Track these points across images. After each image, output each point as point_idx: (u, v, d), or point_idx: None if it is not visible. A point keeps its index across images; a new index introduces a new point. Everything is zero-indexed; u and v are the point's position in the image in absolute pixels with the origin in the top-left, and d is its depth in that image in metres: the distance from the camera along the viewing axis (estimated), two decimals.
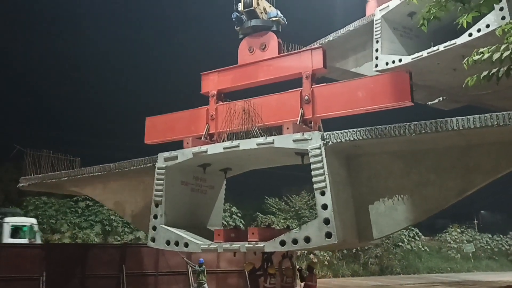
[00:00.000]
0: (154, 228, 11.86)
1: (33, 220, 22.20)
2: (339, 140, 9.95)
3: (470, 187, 9.67)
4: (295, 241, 9.88)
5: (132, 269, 18.28)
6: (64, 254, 17.81)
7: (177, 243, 11.49)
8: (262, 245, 10.40)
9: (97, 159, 14.91)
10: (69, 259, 17.50)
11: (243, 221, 30.87)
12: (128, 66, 55.87)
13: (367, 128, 9.71)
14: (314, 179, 9.81)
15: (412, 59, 15.45)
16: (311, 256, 32.70)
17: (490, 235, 50.00)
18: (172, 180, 12.15)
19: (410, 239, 42.17)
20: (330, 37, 18.21)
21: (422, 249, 42.43)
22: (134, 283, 18.05)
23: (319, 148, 9.94)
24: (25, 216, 24.53)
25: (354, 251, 36.07)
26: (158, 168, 12.08)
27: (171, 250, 12.09)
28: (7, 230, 21.10)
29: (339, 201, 9.87)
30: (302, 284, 12.66)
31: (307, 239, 9.71)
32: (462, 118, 8.82)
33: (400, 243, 40.45)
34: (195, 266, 18.57)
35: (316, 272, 13.65)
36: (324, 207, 9.60)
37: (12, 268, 16.17)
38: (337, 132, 10.09)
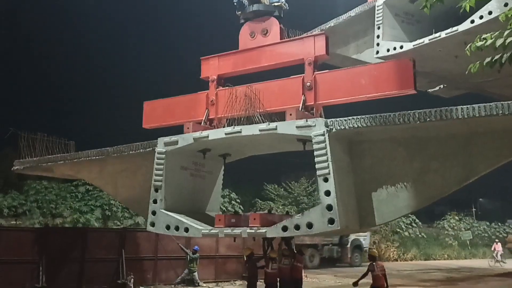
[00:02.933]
0: (154, 213, 11.85)
1: None
2: (342, 127, 9.90)
3: (472, 175, 9.65)
4: (297, 227, 9.88)
5: (131, 253, 18.34)
6: (64, 238, 17.83)
7: (177, 228, 11.48)
8: (263, 230, 10.41)
9: (93, 144, 14.87)
10: (69, 243, 17.52)
11: (242, 207, 30.94)
12: (126, 50, 55.56)
13: (371, 115, 9.65)
14: (317, 166, 9.78)
15: (413, 45, 15.30)
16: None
17: (488, 223, 50.39)
18: (172, 165, 12.11)
19: (407, 226, 42.48)
20: (331, 23, 18.01)
21: (420, 236, 42.74)
22: (134, 267, 18.11)
23: (323, 134, 9.89)
24: (25, 200, 24.56)
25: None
26: (158, 153, 12.03)
27: (171, 235, 12.10)
28: None
29: (342, 187, 9.86)
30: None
31: (310, 225, 9.72)
32: (467, 107, 8.76)
33: (398, 230, 40.75)
34: (189, 253, 18.64)
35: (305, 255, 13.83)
36: (327, 193, 9.59)
37: (11, 251, 16.19)
38: (340, 119, 10.03)
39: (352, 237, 30.09)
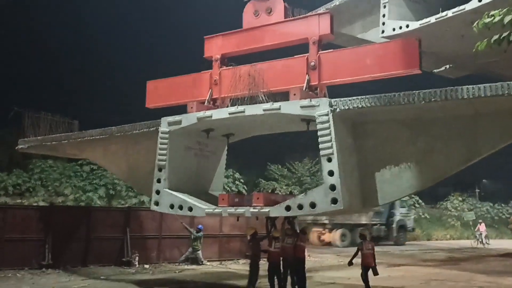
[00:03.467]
0: (158, 192, 11.93)
1: None
2: (347, 107, 9.86)
3: (476, 155, 9.62)
4: (300, 207, 9.93)
5: (136, 232, 18.52)
6: (69, 216, 17.99)
7: (181, 207, 11.57)
8: (267, 210, 10.48)
9: (96, 123, 14.90)
10: (74, 221, 17.69)
11: (245, 187, 31.10)
12: (129, 29, 55.16)
13: (376, 95, 9.59)
14: (321, 146, 9.78)
15: (419, 25, 15.13)
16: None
17: (491, 204, 50.47)
18: (175, 145, 12.14)
19: (410, 206, 42.55)
20: (337, 1, 17.80)
21: (423, 216, 42.89)
22: (138, 245, 18.31)
23: (327, 114, 9.86)
24: (29, 178, 24.73)
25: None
26: (162, 133, 12.05)
27: (175, 214, 12.20)
28: None
29: (345, 167, 9.86)
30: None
31: (313, 205, 9.77)
32: (473, 87, 8.69)
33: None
34: (193, 232, 18.80)
35: (308, 235, 13.93)
36: (331, 173, 9.61)
37: (17, 229, 16.38)
38: (345, 99, 9.97)
39: (397, 218, 32.97)
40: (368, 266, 11.93)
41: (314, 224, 29.67)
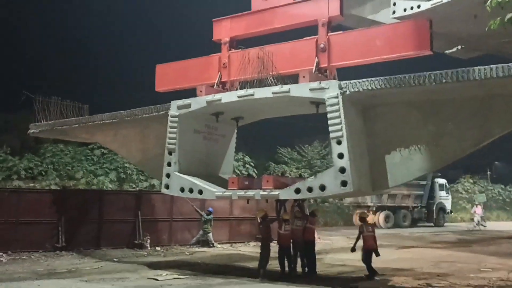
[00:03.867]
0: (168, 176, 12.02)
1: None
2: (356, 90, 9.82)
3: (487, 137, 9.58)
4: (310, 189, 9.97)
5: (147, 215, 18.69)
6: (81, 199, 18.20)
7: (191, 190, 11.66)
8: (276, 192, 10.53)
9: (106, 108, 15.00)
10: (86, 205, 17.90)
11: (256, 170, 31.18)
12: (139, 13, 54.99)
13: (386, 77, 9.54)
14: (330, 128, 9.77)
15: (431, 5, 14.94)
16: (327, 204, 33.28)
17: (502, 186, 50.16)
18: (185, 128, 12.21)
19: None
20: None
21: None
22: (150, 228, 18.49)
23: (337, 97, 9.83)
24: (41, 162, 25.00)
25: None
26: (171, 116, 12.10)
27: (185, 197, 12.31)
28: None
29: (355, 150, 9.86)
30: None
31: (322, 187, 9.79)
32: (484, 68, 8.60)
33: None
34: (203, 214, 18.94)
35: (317, 217, 14.09)
36: (340, 156, 9.61)
37: (31, 212, 16.61)
38: (354, 81, 9.93)
39: (437, 200, 34.85)
40: (370, 248, 12.00)
41: (357, 207, 31.45)
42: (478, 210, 33.44)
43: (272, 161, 36.82)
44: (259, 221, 12.78)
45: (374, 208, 31.22)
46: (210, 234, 19.05)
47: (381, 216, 31.34)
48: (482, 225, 32.57)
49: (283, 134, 44.35)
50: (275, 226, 12.47)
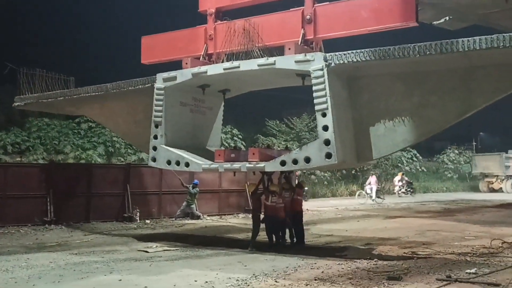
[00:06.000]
0: (155, 148, 12.09)
1: None
2: (341, 62, 9.82)
3: (470, 108, 9.67)
4: (295, 161, 10.07)
5: (136, 188, 18.75)
6: (70, 173, 18.21)
7: (177, 163, 11.73)
8: (262, 165, 10.63)
9: (92, 80, 14.83)
10: (74, 178, 17.91)
11: (244, 143, 31.28)
12: None
13: (371, 49, 9.54)
14: (315, 101, 9.81)
15: None
16: (313, 177, 33.59)
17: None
18: (171, 101, 12.20)
19: (408, 160, 43.01)
20: None
21: (420, 169, 43.33)
22: (139, 201, 18.58)
23: (322, 69, 9.84)
24: (28, 137, 24.82)
25: (353, 172, 36.90)
26: (157, 89, 12.06)
27: (172, 169, 12.36)
28: None
29: (339, 122, 9.93)
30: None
31: (307, 159, 9.90)
32: (468, 39, 8.63)
33: (399, 164, 41.31)
34: (189, 187, 19.02)
35: (304, 189, 14.22)
36: (325, 128, 9.69)
37: (20, 186, 16.60)
38: (339, 53, 9.92)
39: None
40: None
41: (485, 176, 40.15)
42: (373, 179, 29.29)
43: (261, 134, 36.96)
44: (250, 194, 12.89)
45: (503, 177, 38.65)
46: (194, 206, 19.13)
47: (508, 183, 38.69)
48: (378, 197, 28.66)
49: (272, 107, 44.40)
50: None
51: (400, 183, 34.23)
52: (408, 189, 34.26)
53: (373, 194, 28.66)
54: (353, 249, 12.01)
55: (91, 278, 8.70)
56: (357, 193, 30.33)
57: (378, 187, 29.75)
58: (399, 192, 34.02)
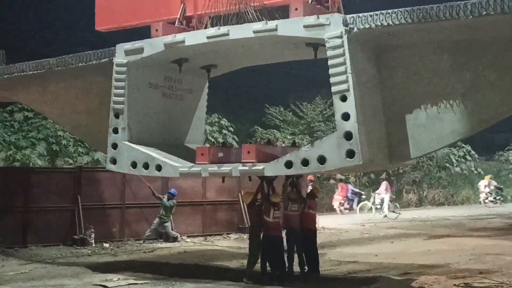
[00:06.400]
0: (115, 146, 12.12)
1: None
2: (367, 26, 9.81)
3: None
4: (305, 162, 10.07)
5: (90, 200, 18.74)
6: (1, 181, 18.12)
7: (146, 166, 11.74)
8: (261, 167, 10.62)
9: (30, 55, 14.78)
10: (7, 188, 17.82)
11: (236, 138, 31.27)
12: None
13: (407, 9, 9.50)
14: (332, 80, 9.82)
15: None
16: (331, 181, 33.59)
17: None
18: (136, 82, 12.24)
19: (459, 159, 42.88)
20: None
21: (475, 172, 43.24)
22: (94, 218, 18.55)
23: (340, 36, 9.83)
24: None
25: (385, 175, 36.83)
26: (117, 65, 12.07)
27: (139, 174, 12.37)
28: None
29: (365, 108, 9.93)
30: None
31: (322, 159, 9.89)
32: None
33: (448, 165, 41.20)
34: (163, 198, 18.96)
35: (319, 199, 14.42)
36: (345, 116, 9.67)
37: None
38: (364, 14, 9.90)
39: None
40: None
41: None
42: (384, 188, 29.08)
43: (260, 125, 36.96)
44: (246, 207, 12.92)
45: None
46: (168, 224, 19.08)
47: None
48: (393, 211, 28.30)
49: (274, 89, 44.34)
50: None
51: (487, 189, 34.49)
52: (498, 197, 34.66)
53: (385, 207, 28.44)
54: (386, 281, 12.05)
55: None
56: (358, 206, 29.52)
57: (391, 198, 29.47)
58: (486, 200, 34.22)
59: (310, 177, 23.80)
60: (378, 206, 28.45)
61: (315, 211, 13.45)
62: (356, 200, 29.56)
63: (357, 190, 30.59)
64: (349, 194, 29.82)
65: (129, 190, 19.34)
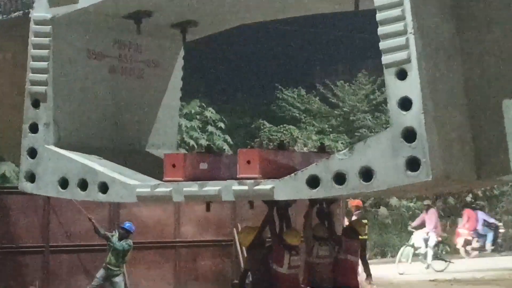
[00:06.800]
0: (33, 153, 12.11)
1: None
2: None
3: None
4: (340, 178, 10.01)
5: None
6: None
7: (83, 185, 11.70)
8: (268, 187, 10.55)
9: None
10: None
11: (229, 139, 31.36)
12: None
13: None
14: (383, 45, 9.79)
15: None
16: (381, 210, 33.63)
17: None
18: (68, 49, 12.27)
19: None
20: None
21: None
22: (2, 267, 18.60)
23: None
24: None
25: (470, 197, 36.88)
26: (37, 23, 12.09)
27: (73, 199, 12.32)
28: None
29: (437, 91, 9.88)
30: None
31: (367, 174, 9.81)
32: None
33: None
34: (111, 237, 18.92)
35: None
36: (405, 104, 9.59)
37: None
38: None
39: None
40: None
41: None
42: (431, 223, 30.86)
43: (267, 119, 36.92)
44: (245, 251, 12.94)
45: None
46: (120, 280, 19.06)
47: None
48: (440, 257, 30.29)
49: (291, 60, 44.36)
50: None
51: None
52: None
53: (429, 252, 29.28)
54: None
55: None
56: (400, 252, 30.49)
57: (439, 237, 30.39)
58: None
59: (356, 201, 23.82)
60: (418, 250, 29.54)
61: (357, 256, 13.45)
62: (490, 235, 30.82)
63: (492, 220, 31.62)
64: (479, 227, 30.93)
65: (57, 223, 19.36)
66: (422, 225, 29.14)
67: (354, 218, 21.26)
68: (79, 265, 19.66)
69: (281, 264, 12.11)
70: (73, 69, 12.33)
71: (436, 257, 28.45)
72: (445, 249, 29.51)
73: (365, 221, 22.70)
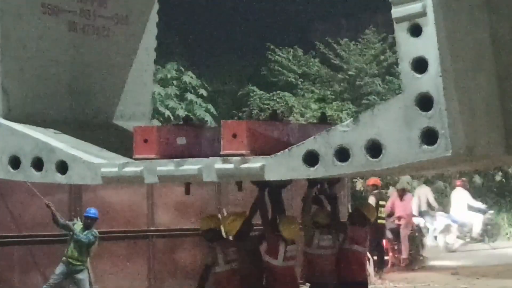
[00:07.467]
0: None
1: None
2: None
3: None
4: (343, 153, 10.07)
5: None
6: None
7: (38, 164, 11.74)
8: (258, 164, 10.62)
9: None
10: None
11: (212, 108, 31.41)
12: None
13: None
14: None
15: None
16: (389, 191, 33.79)
17: None
18: (16, 1, 12.25)
19: None
20: None
21: None
22: None
23: None
24: None
25: (497, 181, 37.09)
26: None
27: (25, 181, 12.35)
28: None
29: (457, 50, 9.89)
30: None
31: (375, 148, 9.83)
32: None
33: None
34: (72, 226, 18.92)
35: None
36: (419, 65, 9.60)
37: None
38: None
39: None
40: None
41: None
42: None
43: (257, 84, 36.92)
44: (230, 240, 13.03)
45: None
46: (84, 277, 19.09)
47: None
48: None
49: (285, 14, 44.38)
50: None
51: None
52: None
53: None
54: None
55: None
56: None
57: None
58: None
59: (373, 179, 23.93)
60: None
61: (364, 246, 13.53)
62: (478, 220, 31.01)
63: (478, 204, 31.92)
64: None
65: (6, 210, 19.39)
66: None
67: (371, 199, 21.42)
68: (30, 260, 19.66)
69: (275, 255, 12.16)
70: (25, 26, 12.30)
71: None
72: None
73: (382, 202, 22.91)
